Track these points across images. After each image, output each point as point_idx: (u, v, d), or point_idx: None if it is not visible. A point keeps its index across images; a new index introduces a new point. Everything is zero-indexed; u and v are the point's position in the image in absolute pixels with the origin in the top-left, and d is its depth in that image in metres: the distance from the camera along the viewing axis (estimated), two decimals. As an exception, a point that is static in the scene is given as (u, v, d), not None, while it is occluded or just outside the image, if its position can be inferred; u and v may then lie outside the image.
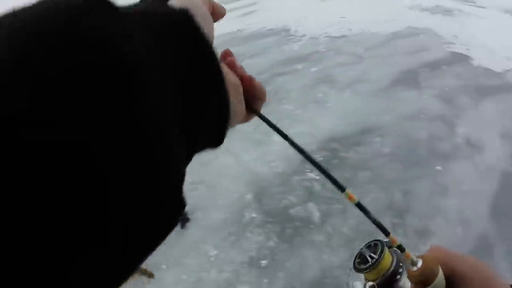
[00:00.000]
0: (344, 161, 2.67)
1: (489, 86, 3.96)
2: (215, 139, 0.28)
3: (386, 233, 0.37)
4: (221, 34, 8.70)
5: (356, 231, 2.16)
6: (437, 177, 2.54)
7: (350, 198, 0.38)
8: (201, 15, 0.26)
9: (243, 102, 0.32)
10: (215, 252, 2.26)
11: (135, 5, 0.24)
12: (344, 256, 2.01)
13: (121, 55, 0.17)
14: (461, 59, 4.68)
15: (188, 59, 0.23)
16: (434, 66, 4.30)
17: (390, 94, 3.54)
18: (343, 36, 5.65)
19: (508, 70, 4.40)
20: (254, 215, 2.41)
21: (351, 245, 2.05)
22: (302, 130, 3.10)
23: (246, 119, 0.35)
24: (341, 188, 0.38)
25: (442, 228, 2.20)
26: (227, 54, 0.34)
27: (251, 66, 5.23)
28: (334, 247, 2.10)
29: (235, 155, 3.11)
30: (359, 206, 0.37)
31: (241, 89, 0.31)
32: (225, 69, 0.28)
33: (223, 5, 0.33)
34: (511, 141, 3.05)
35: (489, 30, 6.28)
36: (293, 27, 6.91)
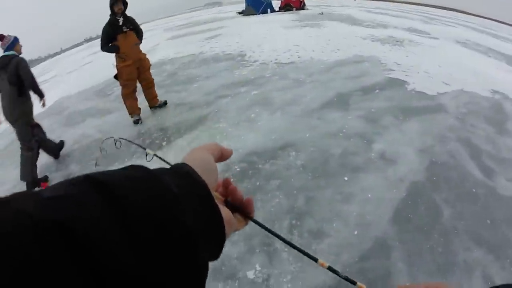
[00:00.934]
0: (259, 172, 2.92)
1: (418, 107, 4.28)
2: (215, 255, 0.36)
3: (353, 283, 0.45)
4: (185, 55, 9.17)
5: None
6: (343, 186, 2.80)
7: (322, 265, 0.47)
8: (205, 167, 0.38)
9: (234, 226, 0.41)
10: None
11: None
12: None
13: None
14: (396, 83, 5.08)
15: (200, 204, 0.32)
16: (368, 90, 4.65)
17: (318, 114, 3.84)
18: (291, 63, 6.09)
19: (441, 93, 4.76)
20: None
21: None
22: (229, 144, 3.40)
23: (241, 226, 0.45)
24: (314, 259, 0.48)
25: (339, 230, 2.42)
26: (228, 183, 0.47)
27: (202, 87, 5.58)
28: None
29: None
30: (331, 269, 0.45)
31: (233, 220, 0.40)
32: (221, 208, 0.37)
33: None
34: (428, 156, 3.31)
35: (434, 57, 6.80)
36: (249, 53, 7.42)
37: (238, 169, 3.00)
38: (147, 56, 4.79)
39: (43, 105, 4.16)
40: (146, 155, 1.80)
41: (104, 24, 4.32)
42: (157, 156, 1.76)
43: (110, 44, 4.39)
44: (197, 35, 13.19)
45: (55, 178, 3.87)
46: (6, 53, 3.61)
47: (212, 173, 0.41)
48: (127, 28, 4.37)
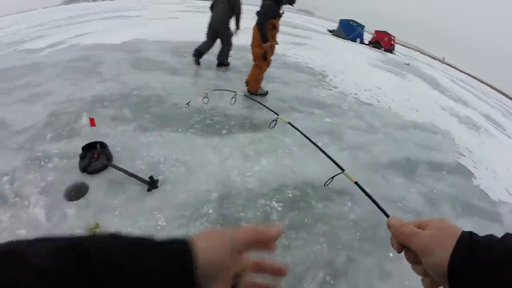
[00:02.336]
0: (310, 208, 2.72)
1: (477, 207, 3.97)
2: None
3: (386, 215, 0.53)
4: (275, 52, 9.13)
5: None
6: (385, 261, 2.58)
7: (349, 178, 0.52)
8: (211, 259, 0.36)
9: None
10: (164, 223, 2.38)
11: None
12: None
13: None
14: (464, 172, 4.75)
15: None
16: (436, 167, 4.38)
17: (383, 172, 3.62)
18: (369, 104, 5.87)
19: (502, 202, 4.43)
20: (210, 211, 2.53)
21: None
22: (289, 164, 3.26)
23: None
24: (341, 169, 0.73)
25: None
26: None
27: (277, 91, 5.48)
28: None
29: (222, 156, 3.28)
30: (357, 184, 0.53)
31: None
32: None
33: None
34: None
35: (505, 159, 6.37)
36: (331, 75, 7.24)
37: (290, 195, 2.84)
38: None
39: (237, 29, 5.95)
40: (273, 122, 1.90)
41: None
42: (290, 124, 1.82)
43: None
44: (285, 35, 13.21)
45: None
46: None
47: (218, 267, 0.36)
48: (282, 14, 4.60)
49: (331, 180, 1.60)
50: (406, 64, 14.60)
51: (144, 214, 2.45)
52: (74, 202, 2.62)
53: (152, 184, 2.71)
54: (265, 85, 5.72)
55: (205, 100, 3.65)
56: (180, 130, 3.82)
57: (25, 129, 4.03)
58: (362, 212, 2.86)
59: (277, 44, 4.81)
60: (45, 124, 4.10)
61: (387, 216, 0.63)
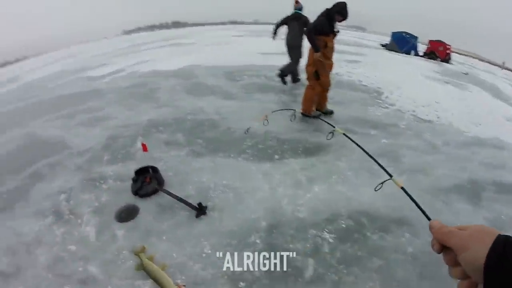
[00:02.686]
0: (364, 240, 2.56)
1: None
2: None
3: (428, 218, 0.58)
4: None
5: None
6: None
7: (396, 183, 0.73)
8: None
9: None
10: (209, 251, 2.42)
11: None
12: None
13: None
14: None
15: None
16: (503, 189, 3.88)
17: (444, 197, 3.30)
18: (428, 121, 5.55)
19: None
20: (258, 241, 2.51)
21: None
22: (343, 191, 3.14)
23: None
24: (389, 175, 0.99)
25: None
26: None
27: (335, 111, 5.46)
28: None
29: (273, 183, 3.29)
30: (404, 190, 0.62)
31: None
32: None
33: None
34: None
35: None
36: (386, 92, 7.03)
37: (343, 225, 2.72)
38: None
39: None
40: (329, 134, 1.97)
41: (317, 17, 4.72)
42: (346, 136, 1.83)
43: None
44: (338, 54, 13.14)
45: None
46: (297, 11, 6.46)
47: None
48: (337, 32, 4.82)
49: (381, 186, 1.77)
50: (465, 74, 13.81)
51: (190, 240, 2.53)
52: (124, 223, 2.80)
53: (200, 210, 2.80)
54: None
55: (265, 122, 3.76)
56: (232, 155, 3.94)
57: (84, 151, 4.46)
58: (422, 244, 2.61)
59: (331, 63, 4.94)
60: (103, 147, 4.51)
61: (429, 219, 0.69)
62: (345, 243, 2.55)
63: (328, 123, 2.23)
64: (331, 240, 2.53)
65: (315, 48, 4.68)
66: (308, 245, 2.49)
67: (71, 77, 11.83)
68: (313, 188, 3.20)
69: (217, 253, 2.42)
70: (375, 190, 2.05)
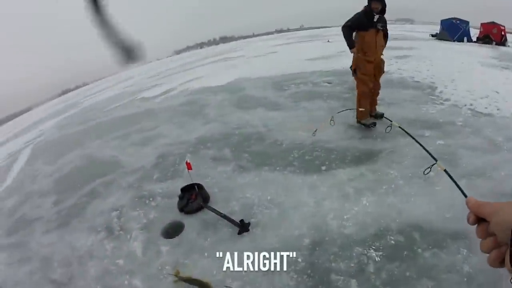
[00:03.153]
0: (415, 258, 2.34)
1: None
2: None
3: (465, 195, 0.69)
4: None
5: None
6: None
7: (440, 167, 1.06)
8: None
9: None
10: (250, 268, 2.44)
11: None
12: None
13: None
14: None
15: None
16: None
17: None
18: (488, 115, 5.01)
19: None
20: (300, 259, 2.47)
21: None
22: (393, 203, 2.95)
23: None
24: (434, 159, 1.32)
25: None
26: None
27: (385, 113, 5.23)
28: None
29: (319, 197, 3.23)
30: (446, 172, 0.72)
31: None
32: None
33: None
34: None
35: None
36: (440, 87, 6.54)
37: (392, 242, 2.54)
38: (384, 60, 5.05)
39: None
40: (427, 170, 1.96)
41: (355, 13, 4.61)
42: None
43: (353, 37, 4.74)
44: (386, 50, 12.67)
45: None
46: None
47: None
48: (381, 28, 4.61)
49: (430, 170, 2.04)
50: None
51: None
52: (169, 240, 2.95)
53: (242, 227, 2.83)
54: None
55: (331, 123, 4.44)
56: (278, 168, 3.95)
57: (136, 170, 4.78)
58: (480, 261, 2.34)
59: (371, 60, 4.70)
60: (153, 166, 4.80)
61: (466, 196, 0.76)
62: (393, 262, 2.40)
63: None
64: (377, 259, 2.39)
65: (348, 44, 4.62)
66: (352, 265, 2.38)
67: (126, 99, 12.77)
68: (361, 201, 3.07)
69: (257, 271, 2.43)
70: (424, 174, 2.25)
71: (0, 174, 7.72)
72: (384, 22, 4.68)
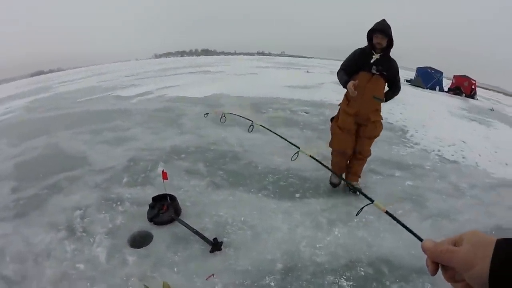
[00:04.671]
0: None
1: None
2: None
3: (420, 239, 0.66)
4: None
5: None
6: None
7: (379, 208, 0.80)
8: None
9: None
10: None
11: None
12: None
13: None
14: None
15: None
16: None
17: None
18: (454, 162, 5.41)
19: None
20: (272, 284, 2.43)
21: None
22: (363, 236, 3.03)
23: None
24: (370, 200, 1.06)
25: None
26: None
27: None
28: None
29: (292, 223, 3.24)
30: (388, 213, 0.68)
31: None
32: None
33: None
34: None
35: None
36: (411, 130, 7.00)
37: (362, 273, 2.55)
38: (381, 122, 3.80)
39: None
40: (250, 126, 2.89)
41: (354, 49, 3.56)
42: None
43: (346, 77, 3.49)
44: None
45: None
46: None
47: None
48: (377, 71, 3.38)
49: (361, 210, 2.01)
50: (490, 110, 13.89)
51: (202, 275, 2.48)
52: (136, 249, 2.80)
53: (215, 246, 2.76)
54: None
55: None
56: (252, 190, 3.93)
57: (105, 170, 4.57)
58: None
59: (350, 111, 3.60)
60: (124, 168, 4.61)
61: (421, 240, 0.71)
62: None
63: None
64: None
65: (343, 84, 3.52)
66: (326, 294, 2.39)
67: (101, 94, 12.35)
68: (333, 231, 3.11)
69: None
70: (356, 215, 2.24)
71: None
72: (387, 66, 3.41)
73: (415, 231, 3.07)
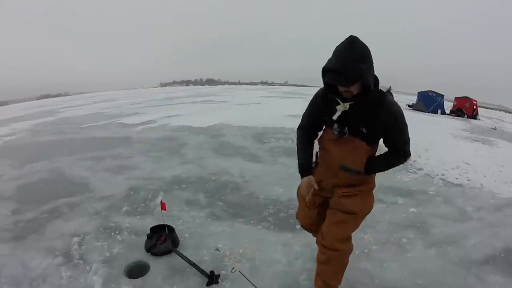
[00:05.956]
0: None
1: None
2: None
3: None
4: None
5: None
6: None
7: None
8: None
9: None
10: None
11: None
12: None
13: None
14: None
15: None
16: None
17: (476, 270, 3.00)
18: (458, 185, 5.38)
19: None
20: None
21: None
22: (364, 267, 2.96)
23: None
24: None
25: None
26: None
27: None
28: None
29: (292, 256, 3.21)
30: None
31: None
32: None
33: None
34: None
35: None
36: (414, 156, 6.94)
37: None
38: (370, 193, 2.41)
39: None
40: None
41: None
42: None
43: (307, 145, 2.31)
44: None
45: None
46: None
47: None
48: (344, 134, 2.06)
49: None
50: (493, 129, 13.99)
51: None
52: (132, 280, 2.79)
53: (212, 279, 2.74)
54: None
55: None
56: (252, 222, 3.93)
57: (105, 197, 4.62)
58: None
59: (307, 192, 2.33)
60: (124, 197, 4.66)
61: None
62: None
63: None
64: None
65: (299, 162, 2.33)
66: None
67: (105, 121, 12.54)
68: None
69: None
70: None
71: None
72: (368, 118, 1.97)
73: (420, 259, 3.10)
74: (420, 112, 19.23)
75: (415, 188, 5.21)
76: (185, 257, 3.00)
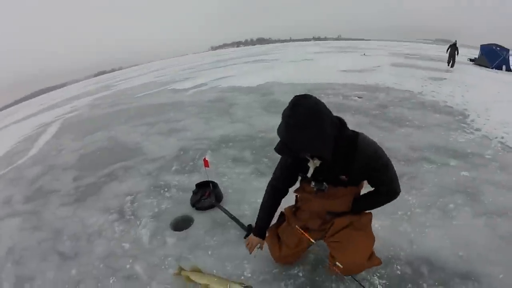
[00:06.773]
0: None
1: None
2: None
3: None
4: (403, 89, 8.87)
5: None
6: None
7: None
8: None
9: None
10: (249, 274, 2.41)
11: None
12: None
13: None
14: None
15: None
16: None
17: None
18: None
19: None
20: (300, 274, 2.36)
21: None
22: (406, 230, 2.83)
23: None
24: None
25: None
26: None
27: (409, 136, 5.05)
28: None
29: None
30: None
31: None
32: None
33: None
34: None
35: None
36: (473, 115, 6.27)
37: (398, 272, 2.27)
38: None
39: None
40: None
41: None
42: None
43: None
44: (422, 71, 12.92)
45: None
46: None
47: None
48: (323, 188, 1.90)
49: None
50: None
51: (234, 260, 2.54)
52: (177, 232, 2.97)
53: (249, 231, 2.79)
54: (394, 129, 5.38)
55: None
56: (295, 178, 3.91)
57: (156, 159, 4.88)
58: None
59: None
60: (174, 157, 4.89)
61: None
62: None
63: None
64: (379, 287, 2.28)
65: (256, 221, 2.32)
66: None
67: (158, 88, 13.05)
68: (374, 223, 2.97)
69: (256, 278, 2.38)
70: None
71: (28, 143, 8.07)
72: (343, 168, 1.79)
73: (466, 229, 2.81)
74: (483, 68, 17.15)
75: (470, 150, 4.66)
76: (227, 211, 3.10)
